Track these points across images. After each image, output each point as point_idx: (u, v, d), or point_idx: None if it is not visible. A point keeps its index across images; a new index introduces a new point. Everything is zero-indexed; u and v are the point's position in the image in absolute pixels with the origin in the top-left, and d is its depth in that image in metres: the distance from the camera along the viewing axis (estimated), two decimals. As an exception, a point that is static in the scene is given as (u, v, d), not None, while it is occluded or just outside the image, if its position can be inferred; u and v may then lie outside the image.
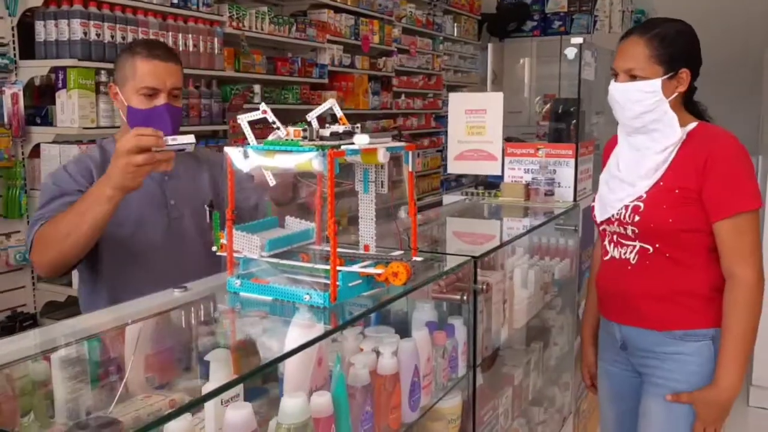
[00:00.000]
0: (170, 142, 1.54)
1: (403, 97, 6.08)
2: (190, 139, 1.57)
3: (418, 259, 1.38)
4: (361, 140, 1.28)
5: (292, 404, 1.07)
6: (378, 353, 1.37)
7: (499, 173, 2.82)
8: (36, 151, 3.08)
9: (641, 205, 1.79)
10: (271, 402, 1.23)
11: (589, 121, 3.25)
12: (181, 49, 3.47)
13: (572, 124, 3.01)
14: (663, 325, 1.82)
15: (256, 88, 4.08)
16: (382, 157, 1.35)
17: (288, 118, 1.75)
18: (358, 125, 1.38)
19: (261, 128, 1.38)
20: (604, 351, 2.05)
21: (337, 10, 4.98)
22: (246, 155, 1.31)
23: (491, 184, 2.99)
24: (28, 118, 3.07)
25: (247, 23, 3.99)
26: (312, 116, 1.52)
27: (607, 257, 1.93)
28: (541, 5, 7.78)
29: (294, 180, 1.69)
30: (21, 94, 3.00)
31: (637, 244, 1.83)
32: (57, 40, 3.02)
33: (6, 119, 2.96)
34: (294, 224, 1.52)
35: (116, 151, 1.51)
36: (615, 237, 1.89)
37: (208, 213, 1.87)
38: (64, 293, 3.11)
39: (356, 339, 1.42)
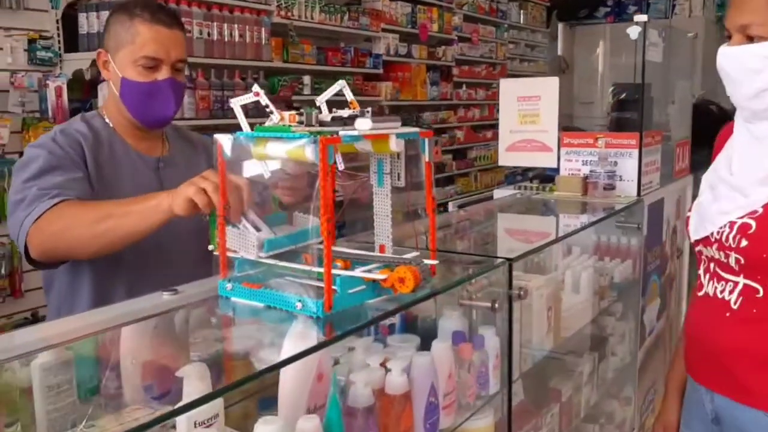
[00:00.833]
0: (244, 224, 1.21)
1: (464, 87, 5.87)
2: (265, 232, 1.22)
3: (433, 262, 1.20)
4: (362, 125, 1.12)
5: (265, 432, 0.92)
6: (387, 369, 1.20)
7: (555, 165, 2.59)
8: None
9: (753, 224, 1.29)
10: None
11: (663, 110, 2.98)
12: (226, 39, 3.39)
13: (637, 111, 2.76)
14: None
15: (306, 79, 3.97)
16: (395, 145, 1.18)
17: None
18: (369, 109, 1.21)
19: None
20: (690, 417, 1.53)
21: (393, -3, 4.82)
22: (236, 143, 1.17)
23: (548, 177, 2.76)
24: (72, 111, 3.05)
25: (296, 12, 3.88)
26: (321, 100, 1.37)
27: (701, 292, 1.45)
28: (614, -11, 7.39)
29: (309, 176, 1.49)
30: (65, 87, 2.98)
31: (741, 280, 1.34)
32: (99, 31, 2.98)
33: (50, 113, 2.95)
34: (303, 221, 1.37)
35: (196, 179, 1.30)
36: (712, 266, 1.40)
37: None
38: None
39: (366, 351, 1.26)
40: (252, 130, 1.15)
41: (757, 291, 1.32)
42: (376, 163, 1.29)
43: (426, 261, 1.18)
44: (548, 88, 2.59)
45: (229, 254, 1.23)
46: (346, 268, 1.22)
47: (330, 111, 1.27)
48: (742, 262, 1.32)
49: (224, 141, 1.19)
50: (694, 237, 1.44)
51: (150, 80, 1.57)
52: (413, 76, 5.04)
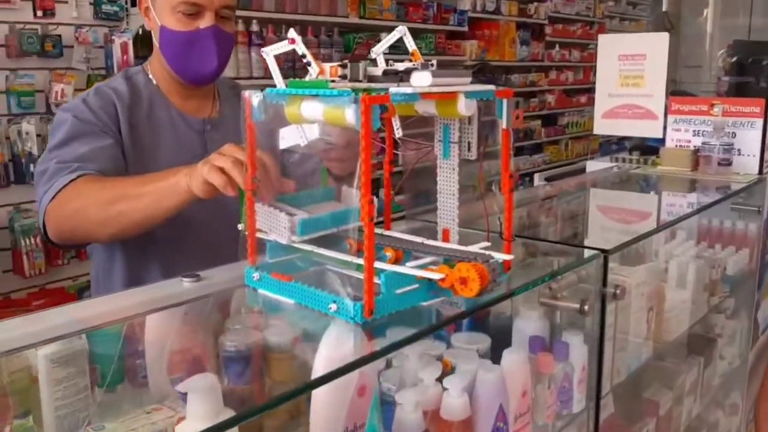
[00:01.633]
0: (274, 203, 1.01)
1: (557, 47, 5.46)
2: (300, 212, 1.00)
3: (507, 257, 0.95)
4: (419, 80, 0.87)
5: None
6: (444, 386, 0.97)
7: (660, 136, 2.28)
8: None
9: None
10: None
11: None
12: (299, -7, 3.18)
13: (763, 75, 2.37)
14: None
15: (383, 36, 3.71)
16: (464, 107, 0.93)
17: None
18: (433, 61, 0.97)
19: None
20: None
21: (482, -51, 4.46)
22: (266, 101, 0.95)
23: (651, 149, 2.44)
24: (139, 69, 2.95)
25: (375, -36, 3.61)
26: (378, 51, 1.14)
27: None
28: (730, -61, 6.65)
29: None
30: (131, 43, 2.86)
31: None
32: (166, -16, 2.84)
33: (115, 70, 2.85)
34: (352, 198, 1.14)
35: (212, 155, 1.11)
36: None
37: None
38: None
39: (420, 361, 1.03)
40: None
41: None
42: (442, 130, 1.05)
43: (497, 255, 0.93)
44: (656, 45, 2.26)
45: (260, 235, 1.03)
46: (397, 260, 0.99)
47: (387, 65, 1.04)
48: None
49: (254, 99, 0.97)
50: None
51: (191, 29, 1.39)
52: (501, 34, 4.68)
